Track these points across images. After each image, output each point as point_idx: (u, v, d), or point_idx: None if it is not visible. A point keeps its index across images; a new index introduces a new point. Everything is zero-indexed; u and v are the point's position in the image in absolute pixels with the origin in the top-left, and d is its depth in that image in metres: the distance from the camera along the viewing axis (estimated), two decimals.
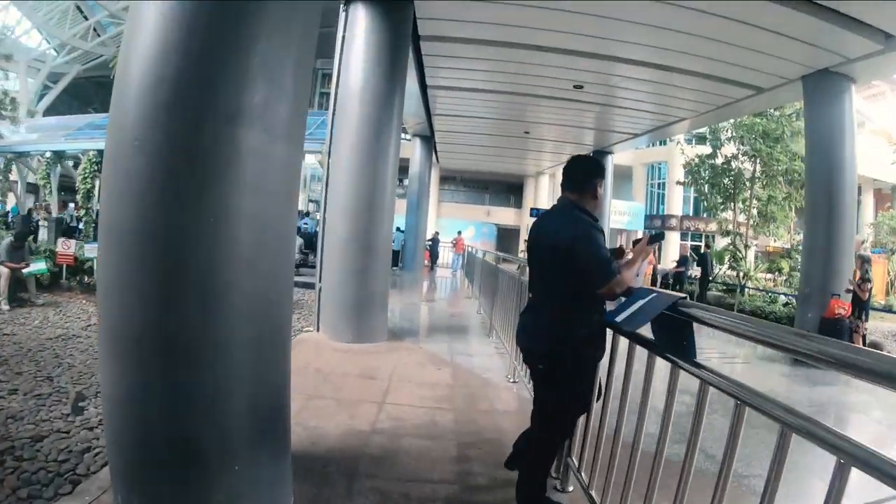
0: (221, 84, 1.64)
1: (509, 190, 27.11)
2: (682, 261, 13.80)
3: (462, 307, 8.89)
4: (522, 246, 22.51)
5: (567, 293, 2.00)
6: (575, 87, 9.03)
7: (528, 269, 2.31)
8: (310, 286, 7.62)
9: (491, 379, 4.16)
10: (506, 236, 25.75)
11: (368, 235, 5.23)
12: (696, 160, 17.76)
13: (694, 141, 22.90)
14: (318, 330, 5.31)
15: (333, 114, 5.47)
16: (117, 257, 1.68)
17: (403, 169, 13.41)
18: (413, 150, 14.85)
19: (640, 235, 16.11)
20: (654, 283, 14.11)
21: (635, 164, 28.28)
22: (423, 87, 9.26)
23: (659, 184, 28.66)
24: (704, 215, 26.26)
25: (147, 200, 1.60)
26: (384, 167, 5.34)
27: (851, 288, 7.00)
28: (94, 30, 27.62)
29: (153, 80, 1.63)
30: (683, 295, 1.52)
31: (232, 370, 1.73)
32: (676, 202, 26.96)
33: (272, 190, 1.76)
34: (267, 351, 1.86)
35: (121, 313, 1.67)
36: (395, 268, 14.83)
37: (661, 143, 25.17)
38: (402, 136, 6.46)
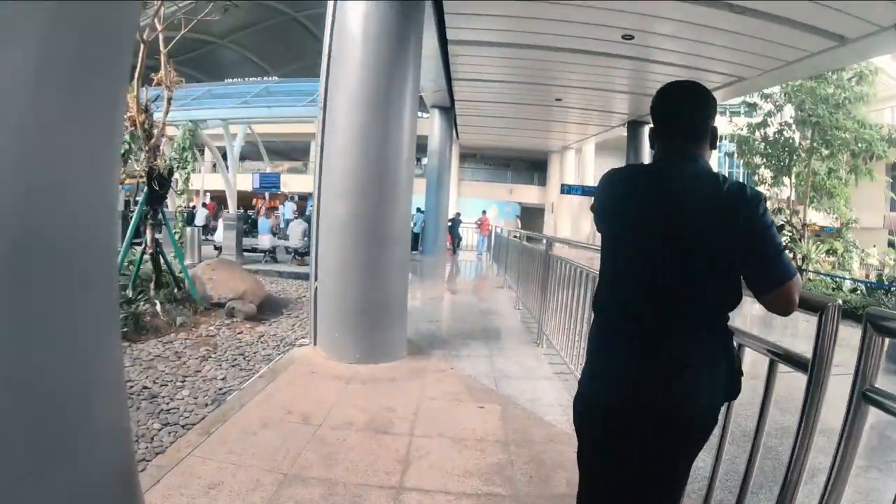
0: None
1: (533, 167, 25.56)
2: None
3: (495, 300, 7.55)
4: (556, 223, 21.07)
5: (719, 303, 1.23)
6: (624, 37, 7.53)
7: (610, 258, 1.35)
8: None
9: (557, 424, 2.85)
10: (530, 215, 24.35)
11: (378, 219, 3.90)
12: (746, 129, 16.08)
13: (728, 112, 21.04)
14: (314, 343, 4.05)
15: (329, 59, 4.11)
16: None
17: (422, 147, 12.07)
18: (432, 124, 13.46)
19: None
20: None
21: None
22: (444, 44, 7.88)
23: None
24: None
25: None
26: (398, 129, 3.98)
27: None
28: None
29: None
30: None
31: None
32: None
33: None
34: None
35: None
36: (414, 252, 13.64)
37: None
38: (420, 113, 5.16)
